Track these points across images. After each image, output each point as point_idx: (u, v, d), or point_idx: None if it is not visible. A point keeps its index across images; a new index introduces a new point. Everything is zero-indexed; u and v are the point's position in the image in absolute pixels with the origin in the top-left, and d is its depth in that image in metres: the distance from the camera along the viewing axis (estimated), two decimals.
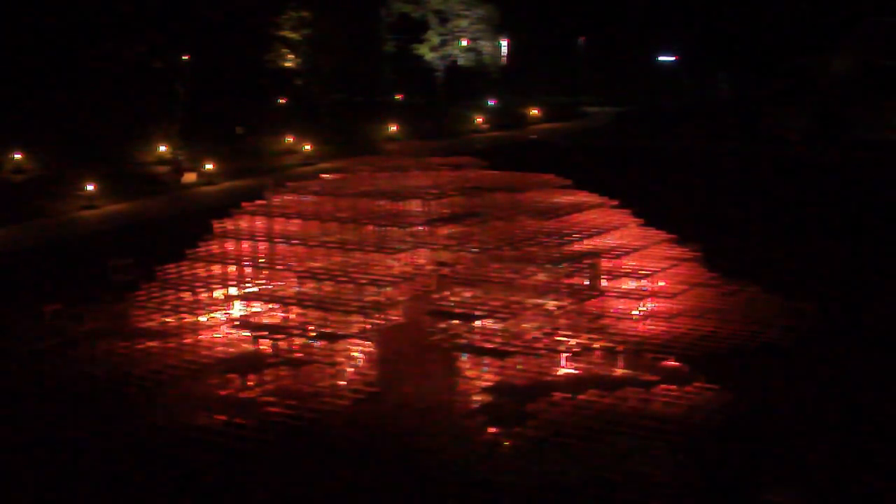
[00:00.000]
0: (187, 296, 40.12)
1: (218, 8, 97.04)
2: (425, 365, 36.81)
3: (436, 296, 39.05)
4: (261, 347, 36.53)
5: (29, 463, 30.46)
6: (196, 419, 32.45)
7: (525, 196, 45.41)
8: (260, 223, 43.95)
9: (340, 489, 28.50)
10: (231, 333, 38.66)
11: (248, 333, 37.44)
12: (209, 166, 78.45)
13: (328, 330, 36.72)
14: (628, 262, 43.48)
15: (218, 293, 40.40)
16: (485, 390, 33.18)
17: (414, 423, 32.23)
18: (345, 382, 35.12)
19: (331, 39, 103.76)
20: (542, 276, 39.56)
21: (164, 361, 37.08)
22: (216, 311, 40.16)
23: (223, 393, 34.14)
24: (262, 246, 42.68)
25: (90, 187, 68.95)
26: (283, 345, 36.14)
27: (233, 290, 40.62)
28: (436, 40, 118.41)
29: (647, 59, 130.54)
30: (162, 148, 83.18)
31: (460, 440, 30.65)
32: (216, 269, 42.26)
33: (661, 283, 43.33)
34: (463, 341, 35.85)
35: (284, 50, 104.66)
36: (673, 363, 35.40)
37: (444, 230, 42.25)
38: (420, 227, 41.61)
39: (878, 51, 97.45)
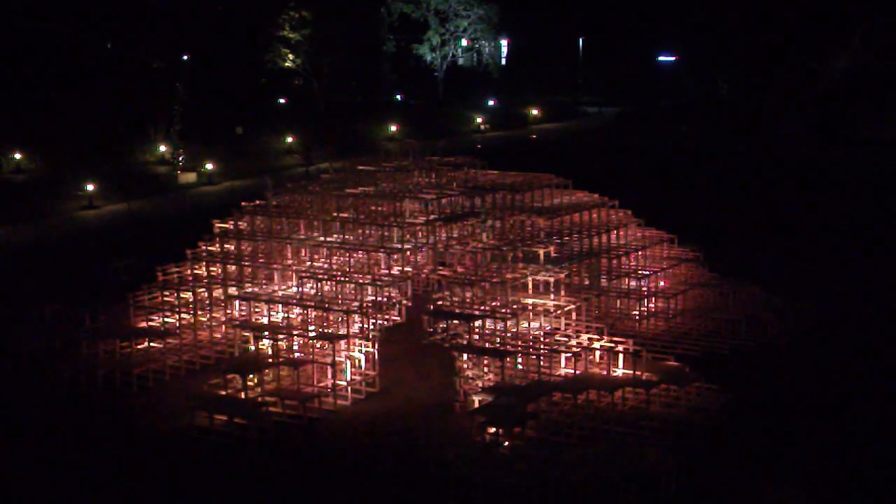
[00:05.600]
0: (187, 296, 40.10)
1: (218, 8, 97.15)
2: (425, 365, 36.86)
3: (436, 296, 39.06)
4: (261, 347, 36.52)
5: (29, 463, 30.49)
6: (196, 419, 32.47)
7: (525, 196, 45.44)
8: (260, 223, 43.97)
9: (341, 489, 28.51)
10: (231, 333, 38.65)
11: (248, 333, 37.42)
12: (209, 166, 78.50)
13: (329, 330, 36.71)
14: (628, 262, 43.53)
15: (218, 293, 40.38)
16: (485, 390, 33.16)
17: (414, 424, 32.28)
18: (344, 382, 35.14)
19: (331, 39, 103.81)
20: (542, 276, 39.58)
21: (164, 361, 37.13)
22: (216, 310, 40.15)
23: (223, 393, 34.15)
24: (262, 246, 42.68)
25: (90, 187, 68.96)
26: (282, 345, 36.12)
27: (233, 290, 40.58)
28: (436, 40, 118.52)
29: (647, 59, 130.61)
30: (162, 148, 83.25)
31: (460, 440, 30.66)
32: (216, 269, 42.26)
33: (662, 283, 43.38)
34: (463, 341, 35.82)
35: (284, 50, 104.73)
36: (673, 363, 35.40)
37: (444, 230, 42.26)
38: (420, 227, 41.62)
39: (878, 51, 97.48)
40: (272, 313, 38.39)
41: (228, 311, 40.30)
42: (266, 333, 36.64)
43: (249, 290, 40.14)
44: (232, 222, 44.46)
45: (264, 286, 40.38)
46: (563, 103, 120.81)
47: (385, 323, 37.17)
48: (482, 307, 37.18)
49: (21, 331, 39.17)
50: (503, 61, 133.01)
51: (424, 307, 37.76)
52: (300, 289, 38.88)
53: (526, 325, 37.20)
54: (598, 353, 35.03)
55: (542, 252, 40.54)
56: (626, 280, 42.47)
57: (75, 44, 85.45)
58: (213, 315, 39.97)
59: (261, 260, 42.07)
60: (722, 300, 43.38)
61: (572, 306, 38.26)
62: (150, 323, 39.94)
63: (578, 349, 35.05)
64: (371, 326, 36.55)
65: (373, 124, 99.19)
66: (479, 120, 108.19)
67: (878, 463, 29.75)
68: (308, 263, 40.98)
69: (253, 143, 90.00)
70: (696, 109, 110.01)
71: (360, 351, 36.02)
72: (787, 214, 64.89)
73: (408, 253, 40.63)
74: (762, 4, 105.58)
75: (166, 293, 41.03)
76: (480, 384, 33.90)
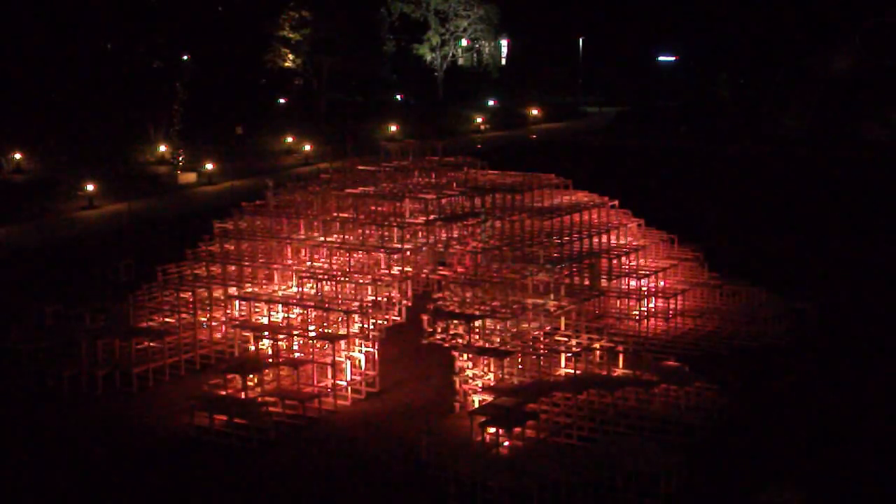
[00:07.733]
0: (187, 296, 40.08)
1: (218, 8, 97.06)
2: (425, 365, 36.80)
3: (436, 296, 39.04)
4: (261, 347, 36.50)
5: (29, 463, 30.49)
6: (196, 419, 32.47)
7: (525, 196, 45.40)
8: (260, 223, 43.94)
9: (340, 489, 28.51)
10: (231, 333, 38.65)
11: (248, 333, 37.40)
12: (209, 166, 78.48)
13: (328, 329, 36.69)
14: (628, 262, 43.52)
15: (218, 293, 40.35)
16: (485, 390, 33.15)
17: (413, 424, 32.26)
18: (344, 383, 35.14)
19: (331, 39, 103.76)
20: (542, 276, 39.54)
21: (164, 361, 37.13)
22: (216, 310, 40.13)
23: (223, 393, 34.14)
24: (262, 246, 42.65)
25: (90, 187, 68.93)
26: (282, 345, 36.09)
27: (233, 290, 40.56)
28: (436, 40, 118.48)
29: (647, 59, 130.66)
30: (162, 148, 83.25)
31: (460, 441, 30.64)
32: (216, 269, 42.22)
33: (661, 283, 43.37)
34: (463, 341, 35.79)
35: (284, 50, 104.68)
36: (673, 363, 35.38)
37: (444, 230, 42.22)
38: (420, 227, 41.59)
39: (878, 51, 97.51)
40: (272, 313, 38.37)
41: (228, 311, 40.29)
42: (266, 333, 36.63)
43: (249, 290, 40.12)
44: (232, 222, 44.44)
45: (264, 286, 40.37)
46: (563, 103, 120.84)
47: (385, 323, 37.16)
48: (482, 307, 37.16)
49: (21, 330, 39.15)
50: (503, 61, 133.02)
51: (424, 307, 37.74)
52: (300, 289, 38.86)
53: (526, 325, 37.17)
54: (598, 353, 35.02)
55: (542, 252, 40.50)
56: (626, 280, 42.45)
57: (75, 44, 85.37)
58: (213, 315, 39.95)
59: (261, 260, 42.05)
60: (722, 300, 43.38)
61: (572, 307, 38.22)
62: (150, 323, 39.91)
63: (578, 349, 35.04)
64: (371, 326, 36.54)
65: (373, 124, 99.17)
66: (479, 120, 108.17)
67: (877, 463, 29.74)
68: (308, 263, 40.95)
69: (253, 143, 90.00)
70: (696, 109, 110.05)
71: (360, 351, 36.01)
72: (787, 214, 64.88)
73: (408, 253, 40.60)
74: (762, 4, 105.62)
75: (166, 293, 41.02)
76: (480, 384, 33.88)
